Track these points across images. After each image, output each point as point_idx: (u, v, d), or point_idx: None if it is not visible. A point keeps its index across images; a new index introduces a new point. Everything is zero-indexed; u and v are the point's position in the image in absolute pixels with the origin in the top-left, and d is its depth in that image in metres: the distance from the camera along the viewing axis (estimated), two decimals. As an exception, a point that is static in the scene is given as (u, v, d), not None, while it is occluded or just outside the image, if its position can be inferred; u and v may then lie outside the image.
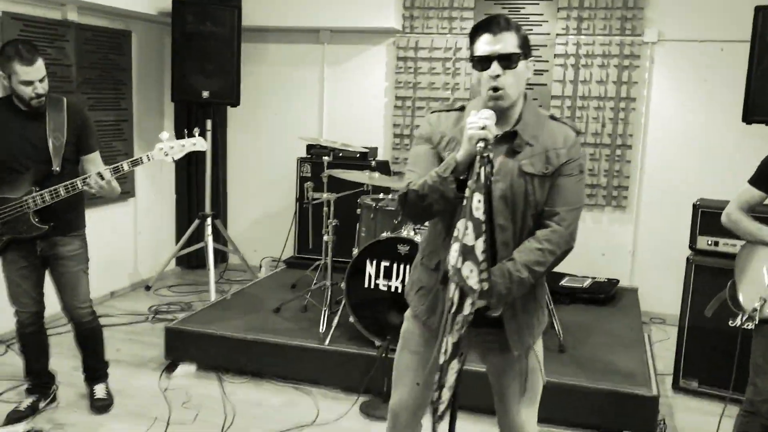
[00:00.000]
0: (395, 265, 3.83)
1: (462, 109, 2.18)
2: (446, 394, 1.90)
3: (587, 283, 5.19)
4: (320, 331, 4.08)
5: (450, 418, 2.02)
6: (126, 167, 3.24)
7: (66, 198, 3.25)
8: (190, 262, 6.31)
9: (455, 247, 1.85)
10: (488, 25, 2.01)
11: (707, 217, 3.98)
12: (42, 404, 3.58)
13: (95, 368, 3.69)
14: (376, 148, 5.81)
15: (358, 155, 5.52)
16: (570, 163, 2.09)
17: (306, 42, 6.09)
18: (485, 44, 2.01)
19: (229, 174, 6.40)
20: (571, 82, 5.47)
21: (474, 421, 3.50)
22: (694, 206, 4.06)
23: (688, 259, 4.02)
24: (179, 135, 3.40)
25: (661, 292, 5.33)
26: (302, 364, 3.98)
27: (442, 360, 1.88)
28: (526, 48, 2.05)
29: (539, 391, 2.26)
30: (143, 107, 5.73)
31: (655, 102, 5.36)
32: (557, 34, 5.45)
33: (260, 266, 6.15)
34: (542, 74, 5.51)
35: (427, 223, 2.34)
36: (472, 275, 1.85)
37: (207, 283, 5.24)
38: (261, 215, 6.44)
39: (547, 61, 5.49)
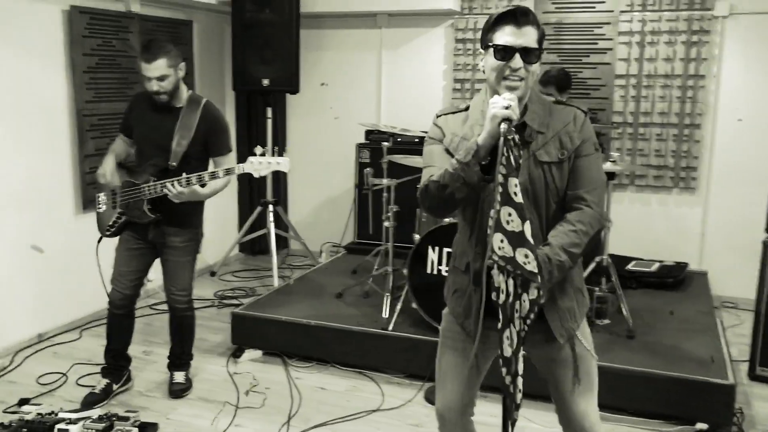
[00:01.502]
0: (458, 251, 3.79)
1: (467, 108, 2.18)
2: (520, 382, 1.88)
3: (655, 266, 5.05)
4: (383, 316, 4.09)
5: (512, 405, 1.98)
6: (221, 174, 3.35)
7: None
8: (253, 248, 6.41)
9: (498, 237, 1.81)
10: (513, 16, 1.98)
11: (785, 199, 3.82)
12: (116, 387, 3.68)
13: (178, 356, 3.79)
14: (435, 132, 5.74)
15: (417, 140, 5.48)
16: (585, 143, 2.09)
17: (363, 27, 6.07)
18: (509, 35, 1.97)
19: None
20: (636, 61, 5.30)
21: (534, 408, 3.46)
22: (771, 187, 3.89)
23: (764, 242, 3.86)
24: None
25: (733, 275, 5.15)
26: (366, 349, 4.00)
27: (509, 352, 1.85)
28: (541, 46, 2.03)
29: (595, 377, 2.21)
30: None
31: (726, 79, 5.15)
32: (621, 11, 5.29)
33: (321, 252, 6.19)
34: (606, 53, 5.35)
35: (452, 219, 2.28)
36: (529, 260, 1.82)
37: (270, 268, 5.30)
38: (321, 201, 6.48)
39: (611, 39, 5.33)
